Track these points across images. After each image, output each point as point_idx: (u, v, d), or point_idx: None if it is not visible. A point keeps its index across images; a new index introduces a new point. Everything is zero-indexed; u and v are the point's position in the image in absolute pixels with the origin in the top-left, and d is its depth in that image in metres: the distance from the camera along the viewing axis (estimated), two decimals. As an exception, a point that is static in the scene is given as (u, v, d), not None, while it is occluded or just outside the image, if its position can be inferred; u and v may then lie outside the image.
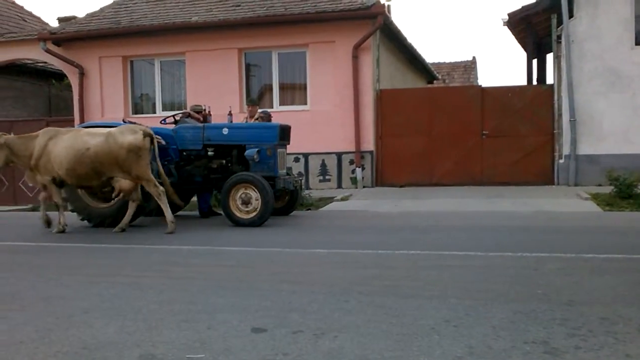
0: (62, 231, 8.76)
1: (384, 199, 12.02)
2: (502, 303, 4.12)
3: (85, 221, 9.53)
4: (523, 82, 17.21)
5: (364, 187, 14.02)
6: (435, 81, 23.38)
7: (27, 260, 6.52)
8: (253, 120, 10.88)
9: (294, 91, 14.85)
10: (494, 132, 13.64)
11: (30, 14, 22.41)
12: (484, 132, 13.72)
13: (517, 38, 16.81)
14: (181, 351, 3.28)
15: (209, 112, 10.41)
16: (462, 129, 13.83)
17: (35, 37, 15.91)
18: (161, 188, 8.58)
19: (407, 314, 3.89)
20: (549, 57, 16.23)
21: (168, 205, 8.59)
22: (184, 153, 9.92)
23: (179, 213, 11.10)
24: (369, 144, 14.11)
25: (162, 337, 3.53)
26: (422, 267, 5.50)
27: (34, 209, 13.89)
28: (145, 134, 8.54)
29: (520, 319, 3.75)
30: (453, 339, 3.39)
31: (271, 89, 14.82)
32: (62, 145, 8.59)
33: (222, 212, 9.50)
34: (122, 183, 8.68)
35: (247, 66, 15.03)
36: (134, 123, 9.74)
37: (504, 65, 59.92)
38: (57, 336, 3.60)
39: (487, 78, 65.84)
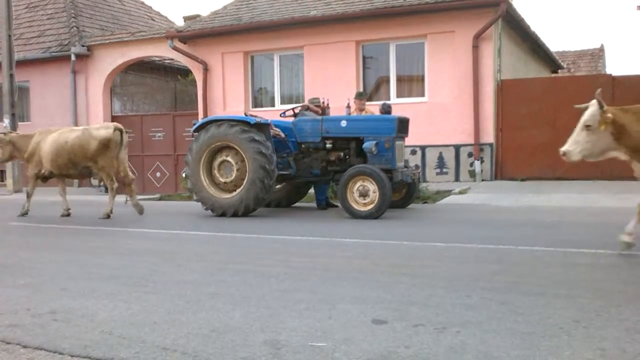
0: (25, 214, 10.23)
1: (504, 192, 11.65)
2: (637, 305, 3.87)
3: (209, 211, 9.93)
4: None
5: (482, 180, 13.68)
6: (560, 70, 22.33)
7: (157, 247, 6.89)
8: (363, 113, 10.88)
9: (412, 83, 14.72)
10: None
11: (157, 13, 23.67)
12: (614, 123, 12.92)
13: (652, 23, 15.70)
14: (304, 338, 3.34)
15: (327, 104, 10.53)
16: (590, 121, 13.09)
17: (164, 35, 16.79)
18: (115, 184, 9.82)
19: (533, 312, 3.75)
20: (689, 43, 15.05)
21: (113, 200, 9.91)
22: (303, 145, 10.09)
23: (297, 204, 11.33)
24: (488, 136, 13.73)
25: (285, 324, 3.61)
26: (547, 264, 5.28)
27: (161, 198, 14.68)
28: (116, 129, 9.64)
29: (658, 322, 3.51)
30: (583, 340, 3.22)
31: (388, 81, 14.77)
32: (49, 141, 9.97)
33: (339, 204, 9.59)
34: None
35: (364, 58, 15.05)
36: (255, 116, 10.04)
37: (635, 52, 56.21)
38: (187, 318, 3.77)
39: (616, 66, 62.06)
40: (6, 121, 16.12)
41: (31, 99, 18.94)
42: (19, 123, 16.59)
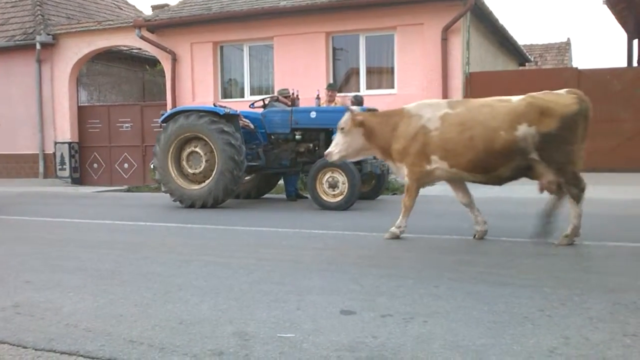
0: None
1: (471, 185, 11.75)
2: (600, 294, 3.95)
3: (178, 202, 9.85)
4: (622, 64, 16.39)
5: (451, 172, 13.77)
6: (527, 63, 22.60)
7: (125, 239, 6.82)
8: (333, 104, 10.89)
9: (381, 75, 14.74)
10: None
11: (125, 2, 23.28)
12: (579, 116, 13.17)
13: (617, 17, 15.99)
14: (272, 330, 3.34)
15: (297, 96, 10.50)
16: (556, 113, 13.32)
17: (131, 24, 16.50)
18: None
19: (499, 301, 3.80)
20: (652, 37, 15.37)
21: None
22: (272, 137, 10.07)
23: (266, 196, 11.30)
24: (457, 128, 13.80)
25: (254, 315, 3.60)
26: (514, 255, 5.36)
27: (129, 190, 14.52)
28: None
29: (619, 310, 3.59)
30: (547, 328, 3.28)
31: (358, 73, 14.77)
32: None
33: (308, 196, 9.59)
34: None
35: (334, 50, 15.03)
36: (224, 107, 9.97)
37: (600, 46, 57.20)
38: (155, 311, 3.74)
39: (582, 60, 63.10)
40: (-32, 111, 15.75)
41: (-5, 89, 18.51)
42: (-18, 113, 16.23)
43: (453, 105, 6.06)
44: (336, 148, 6.36)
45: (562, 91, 5.90)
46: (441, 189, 11.25)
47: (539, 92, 5.92)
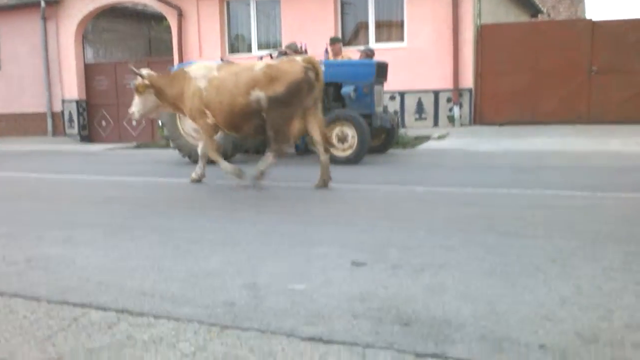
0: None
1: (482, 137, 11.68)
2: (613, 244, 3.92)
3: (187, 158, 9.83)
4: (638, 15, 16.01)
5: (461, 125, 13.68)
6: (539, 15, 22.17)
7: (135, 194, 6.83)
8: (339, 58, 10.72)
9: (391, 28, 14.50)
10: (604, 68, 12.85)
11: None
12: (593, 68, 12.96)
13: (632, -35, 15.55)
14: (282, 282, 3.34)
15: (305, 49, 10.36)
16: (569, 65, 13.12)
17: (136, -21, 16.27)
18: None
19: (511, 252, 3.78)
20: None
21: None
22: (281, 91, 9.95)
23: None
24: (467, 81, 13.67)
25: (263, 268, 3.60)
26: (525, 206, 5.32)
27: (138, 146, 14.53)
28: None
29: (632, 260, 3.56)
30: (560, 278, 3.26)
31: (367, 26, 14.54)
32: None
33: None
34: None
35: (342, 4, 14.77)
36: (231, 62, 9.85)
37: (614, -3, 55.89)
38: (166, 264, 3.75)
39: (595, 11, 61.79)
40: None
41: (1, 47, 18.39)
42: (-11, 71, 16.17)
43: (220, 69, 6.95)
44: (135, 107, 7.30)
45: (299, 58, 6.67)
46: (453, 143, 11.19)
47: (278, 61, 7.04)
